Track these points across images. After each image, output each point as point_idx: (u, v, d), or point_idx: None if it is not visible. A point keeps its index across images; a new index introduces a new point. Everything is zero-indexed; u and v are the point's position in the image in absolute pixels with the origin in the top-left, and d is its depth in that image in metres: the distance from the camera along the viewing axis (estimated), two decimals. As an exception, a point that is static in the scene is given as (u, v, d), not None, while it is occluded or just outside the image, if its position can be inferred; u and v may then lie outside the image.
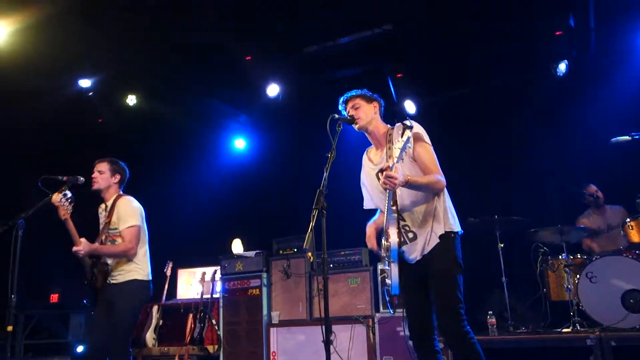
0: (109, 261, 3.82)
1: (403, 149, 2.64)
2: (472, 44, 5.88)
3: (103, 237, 3.85)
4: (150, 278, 3.90)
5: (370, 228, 3.13)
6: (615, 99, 5.62)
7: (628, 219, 4.73)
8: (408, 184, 2.74)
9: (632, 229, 4.65)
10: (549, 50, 5.85)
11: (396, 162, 2.65)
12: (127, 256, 3.82)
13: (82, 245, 3.64)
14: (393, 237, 2.81)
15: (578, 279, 4.60)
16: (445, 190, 2.97)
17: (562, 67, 5.85)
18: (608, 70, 5.89)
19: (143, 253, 3.92)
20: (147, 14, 5.38)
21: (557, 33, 5.67)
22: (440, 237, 2.88)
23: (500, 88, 6.44)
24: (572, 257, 4.84)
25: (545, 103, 6.12)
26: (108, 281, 3.81)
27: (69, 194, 3.69)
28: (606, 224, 5.45)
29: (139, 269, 3.83)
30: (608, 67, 5.92)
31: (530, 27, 5.66)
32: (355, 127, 3.11)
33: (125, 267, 3.81)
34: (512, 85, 6.36)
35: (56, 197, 3.61)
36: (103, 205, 4.01)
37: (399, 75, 6.37)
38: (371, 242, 3.10)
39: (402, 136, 2.66)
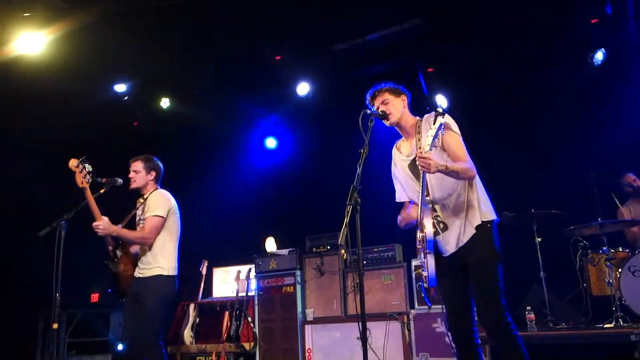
0: (141, 253, 3.86)
1: (435, 136, 2.62)
2: (503, 35, 5.77)
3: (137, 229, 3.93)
4: (176, 274, 3.90)
5: (402, 215, 3.14)
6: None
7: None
8: (446, 170, 2.70)
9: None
10: (585, 39, 5.69)
11: (429, 149, 2.63)
12: (143, 244, 3.85)
13: (103, 222, 3.65)
14: (428, 228, 2.81)
15: (620, 273, 4.48)
16: (478, 179, 2.94)
17: (599, 55, 5.69)
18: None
19: (171, 248, 3.93)
20: (179, 18, 5.48)
21: (593, 21, 5.51)
22: (477, 227, 2.84)
23: (535, 79, 6.29)
24: (613, 250, 4.70)
25: (582, 93, 5.95)
26: (135, 274, 3.87)
27: (89, 167, 3.68)
28: None
29: (165, 264, 3.84)
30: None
31: (565, 15, 5.52)
32: (387, 122, 3.11)
33: (151, 261, 3.84)
34: (548, 76, 6.21)
35: (73, 162, 3.61)
36: (140, 200, 4.09)
37: (430, 69, 6.31)
38: (402, 217, 3.10)
39: (434, 123, 2.64)
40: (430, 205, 2.88)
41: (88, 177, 3.65)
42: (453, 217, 2.89)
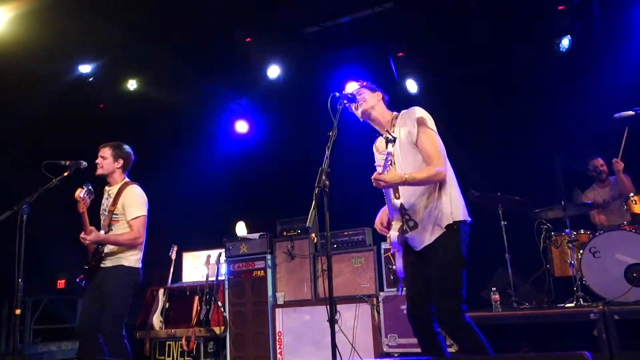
0: (106, 247, 3.87)
1: (386, 161, 2.67)
2: (473, 21, 5.81)
3: (107, 222, 3.91)
4: (140, 266, 3.94)
5: (380, 215, 3.17)
6: (620, 73, 5.56)
7: (632, 194, 4.72)
8: (406, 183, 2.74)
9: (636, 203, 4.65)
10: (552, 26, 5.77)
11: (383, 172, 2.67)
12: (133, 245, 3.88)
13: (92, 235, 3.74)
14: (393, 231, 2.90)
15: (581, 254, 4.61)
16: (452, 178, 2.93)
17: (565, 42, 5.77)
18: (612, 44, 5.82)
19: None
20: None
21: (560, 8, 5.59)
22: (446, 227, 2.82)
23: (502, 65, 6.37)
24: (575, 233, 4.84)
25: (548, 79, 6.06)
26: (100, 264, 3.86)
27: (91, 189, 3.82)
28: (610, 195, 5.44)
29: (129, 255, 3.87)
30: (612, 41, 5.84)
31: (532, 2, 5.58)
32: (358, 111, 3.09)
33: (115, 253, 3.86)
34: (515, 62, 6.29)
35: (78, 193, 3.73)
36: (107, 188, 4.04)
37: (400, 54, 6.31)
38: (379, 226, 3.16)
39: (386, 147, 2.72)
40: (400, 207, 2.90)
41: (89, 202, 3.80)
42: (422, 216, 2.87)
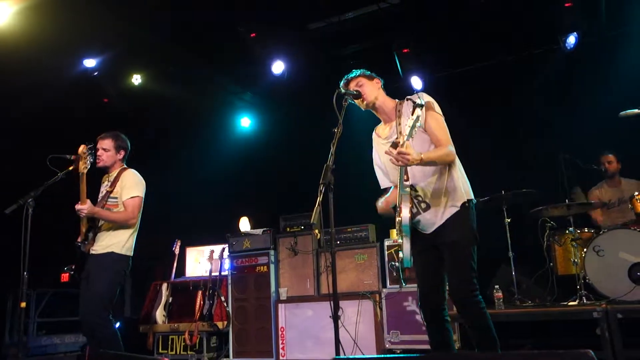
0: (99, 231, 3.87)
1: (413, 127, 2.61)
2: (479, 18, 5.79)
3: (103, 204, 3.92)
4: (131, 254, 3.94)
5: (381, 202, 3.14)
6: (626, 71, 5.54)
7: (636, 192, 4.71)
8: (422, 163, 2.73)
9: (640, 202, 4.63)
10: (559, 23, 5.75)
11: (406, 140, 2.63)
12: (127, 225, 3.88)
13: (87, 205, 3.70)
14: (405, 212, 2.84)
15: (585, 252, 4.60)
16: (457, 159, 2.98)
17: (572, 39, 5.74)
18: (618, 42, 5.80)
19: (131, 229, 3.96)
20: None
21: (567, 5, 5.56)
22: (460, 206, 2.90)
23: (508, 63, 6.35)
24: (579, 231, 4.83)
25: (554, 77, 6.04)
26: (91, 251, 3.87)
27: (92, 148, 3.81)
28: (617, 197, 5.40)
29: (120, 242, 3.87)
30: (618, 39, 5.82)
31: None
32: (362, 104, 3.11)
33: (107, 239, 3.86)
34: (521, 60, 6.28)
35: (82, 149, 3.71)
36: (106, 176, 4.07)
37: (405, 50, 6.30)
38: (384, 205, 3.12)
39: (412, 114, 2.63)
40: (409, 190, 2.89)
41: (89, 164, 3.76)
42: (434, 197, 2.92)
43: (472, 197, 2.98)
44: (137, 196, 3.92)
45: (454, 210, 2.89)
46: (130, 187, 3.91)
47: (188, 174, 7.53)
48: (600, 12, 5.71)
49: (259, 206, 7.13)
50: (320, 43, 6.39)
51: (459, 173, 2.97)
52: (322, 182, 2.68)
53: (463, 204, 2.90)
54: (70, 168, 3.83)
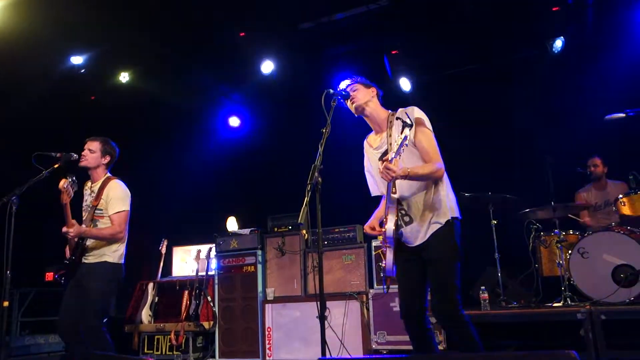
0: (89, 242, 3.85)
1: (401, 146, 2.63)
2: (468, 21, 5.82)
3: (90, 217, 3.88)
4: (123, 262, 3.92)
5: (371, 220, 3.15)
6: (612, 75, 5.60)
7: (621, 195, 4.76)
8: (408, 177, 2.75)
9: (624, 205, 4.67)
10: (546, 27, 5.80)
11: (395, 157, 2.65)
12: (114, 240, 3.87)
13: (74, 228, 3.70)
14: (389, 224, 2.86)
15: (570, 254, 4.65)
16: (446, 176, 2.98)
17: (559, 43, 5.80)
18: (605, 46, 5.85)
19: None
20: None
21: (554, 9, 5.61)
22: (442, 223, 2.89)
23: (496, 66, 6.39)
24: (564, 233, 4.87)
25: (541, 80, 6.09)
26: (82, 260, 3.84)
27: (75, 180, 3.74)
28: (604, 200, 5.45)
29: (113, 251, 3.86)
30: (605, 43, 5.88)
31: (527, 3, 5.60)
32: (352, 106, 3.11)
33: (98, 248, 3.84)
34: (508, 63, 6.32)
35: (63, 183, 3.67)
36: (89, 184, 4.03)
37: (394, 52, 6.32)
38: (369, 230, 3.13)
39: (401, 132, 2.66)
40: (396, 202, 2.91)
41: (72, 193, 3.72)
42: (419, 212, 2.93)
43: (458, 214, 2.97)
44: (124, 210, 3.89)
45: (437, 226, 2.89)
46: (116, 201, 3.88)
47: (175, 173, 7.49)
48: (588, 17, 5.77)
49: (247, 206, 7.11)
50: (310, 43, 6.38)
51: (446, 190, 2.96)
52: (309, 183, 2.69)
53: (447, 221, 2.89)
54: (56, 166, 3.78)
